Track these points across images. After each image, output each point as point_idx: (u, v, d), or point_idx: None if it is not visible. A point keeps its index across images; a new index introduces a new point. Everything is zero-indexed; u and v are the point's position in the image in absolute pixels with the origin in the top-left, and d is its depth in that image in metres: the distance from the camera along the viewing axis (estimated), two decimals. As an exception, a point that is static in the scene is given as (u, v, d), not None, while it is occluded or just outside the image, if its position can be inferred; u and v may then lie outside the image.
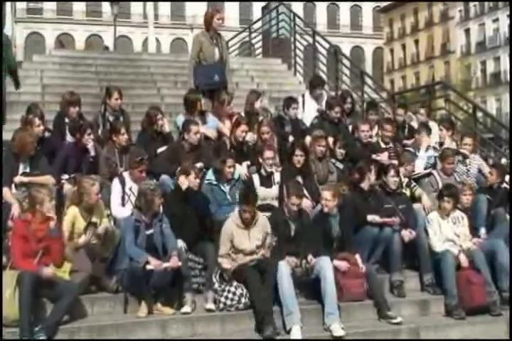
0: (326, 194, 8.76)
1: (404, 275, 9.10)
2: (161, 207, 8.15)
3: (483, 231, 9.69)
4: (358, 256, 8.57)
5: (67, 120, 10.26)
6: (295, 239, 8.46)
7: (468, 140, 11.23)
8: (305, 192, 9.22)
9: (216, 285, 8.05)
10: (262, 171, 9.57)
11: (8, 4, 58.21)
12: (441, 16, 68.81)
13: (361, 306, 8.43)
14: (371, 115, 12.05)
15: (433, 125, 12.35)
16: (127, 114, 10.87)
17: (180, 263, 7.75)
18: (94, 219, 8.12)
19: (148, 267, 7.55)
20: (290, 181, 8.93)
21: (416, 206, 9.76)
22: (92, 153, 9.40)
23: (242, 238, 8.28)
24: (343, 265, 8.43)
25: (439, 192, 9.52)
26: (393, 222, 9.02)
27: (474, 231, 9.49)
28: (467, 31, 65.69)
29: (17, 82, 11.90)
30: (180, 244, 8.19)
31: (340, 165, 10.37)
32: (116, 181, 8.83)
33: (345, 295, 8.32)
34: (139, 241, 7.81)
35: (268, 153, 9.55)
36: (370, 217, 8.95)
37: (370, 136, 11.20)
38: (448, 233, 9.16)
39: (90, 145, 9.40)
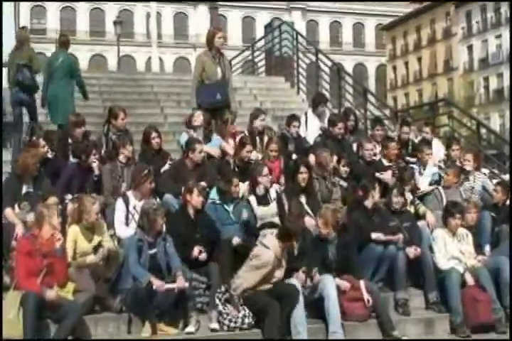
0: (318, 221, 8.64)
1: (409, 294, 9.03)
2: (164, 226, 8.12)
3: (487, 248, 9.66)
4: (362, 283, 8.43)
5: (70, 141, 10.29)
6: (298, 257, 8.41)
7: (468, 156, 11.22)
8: (308, 210, 9.21)
9: (220, 307, 7.93)
10: (258, 190, 9.38)
11: (11, 25, 58.57)
12: (443, 33, 68.84)
13: (365, 325, 8.37)
14: (378, 131, 11.98)
15: (437, 142, 12.33)
16: (130, 134, 10.87)
17: (187, 285, 7.72)
18: (97, 239, 8.11)
19: (154, 287, 7.51)
20: (292, 201, 8.89)
21: (420, 223, 9.71)
22: (96, 172, 9.42)
23: (275, 266, 8.02)
24: (343, 284, 8.34)
25: (446, 210, 9.47)
26: (398, 239, 8.99)
27: (479, 248, 9.46)
28: (470, 48, 65.72)
29: (85, 95, 12.81)
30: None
31: (344, 183, 10.33)
32: (120, 200, 8.79)
33: (349, 317, 8.26)
34: (142, 261, 7.78)
35: (264, 170, 9.44)
36: (374, 235, 8.90)
37: (374, 154, 11.19)
38: (453, 250, 9.13)
39: (95, 164, 9.42)
